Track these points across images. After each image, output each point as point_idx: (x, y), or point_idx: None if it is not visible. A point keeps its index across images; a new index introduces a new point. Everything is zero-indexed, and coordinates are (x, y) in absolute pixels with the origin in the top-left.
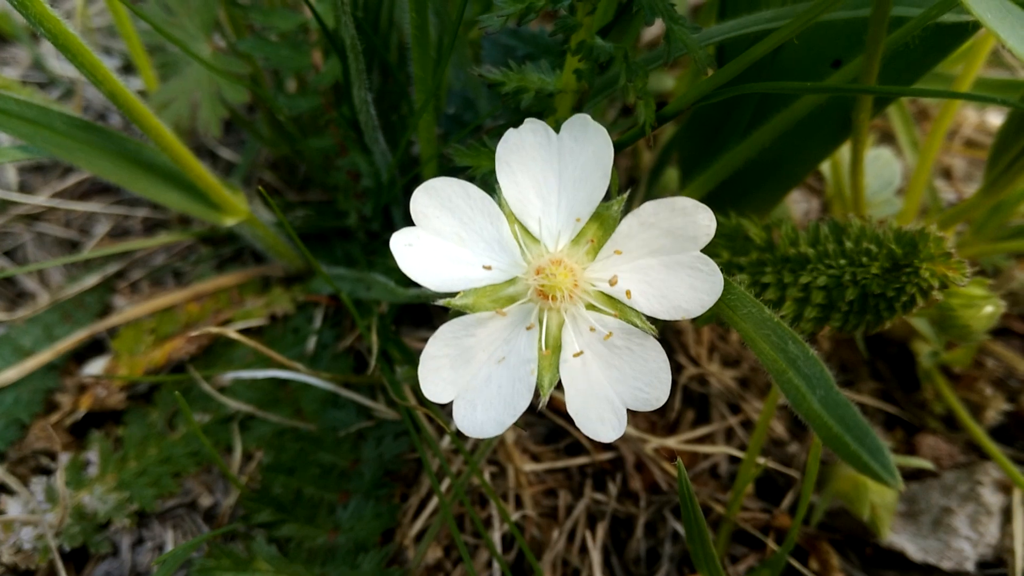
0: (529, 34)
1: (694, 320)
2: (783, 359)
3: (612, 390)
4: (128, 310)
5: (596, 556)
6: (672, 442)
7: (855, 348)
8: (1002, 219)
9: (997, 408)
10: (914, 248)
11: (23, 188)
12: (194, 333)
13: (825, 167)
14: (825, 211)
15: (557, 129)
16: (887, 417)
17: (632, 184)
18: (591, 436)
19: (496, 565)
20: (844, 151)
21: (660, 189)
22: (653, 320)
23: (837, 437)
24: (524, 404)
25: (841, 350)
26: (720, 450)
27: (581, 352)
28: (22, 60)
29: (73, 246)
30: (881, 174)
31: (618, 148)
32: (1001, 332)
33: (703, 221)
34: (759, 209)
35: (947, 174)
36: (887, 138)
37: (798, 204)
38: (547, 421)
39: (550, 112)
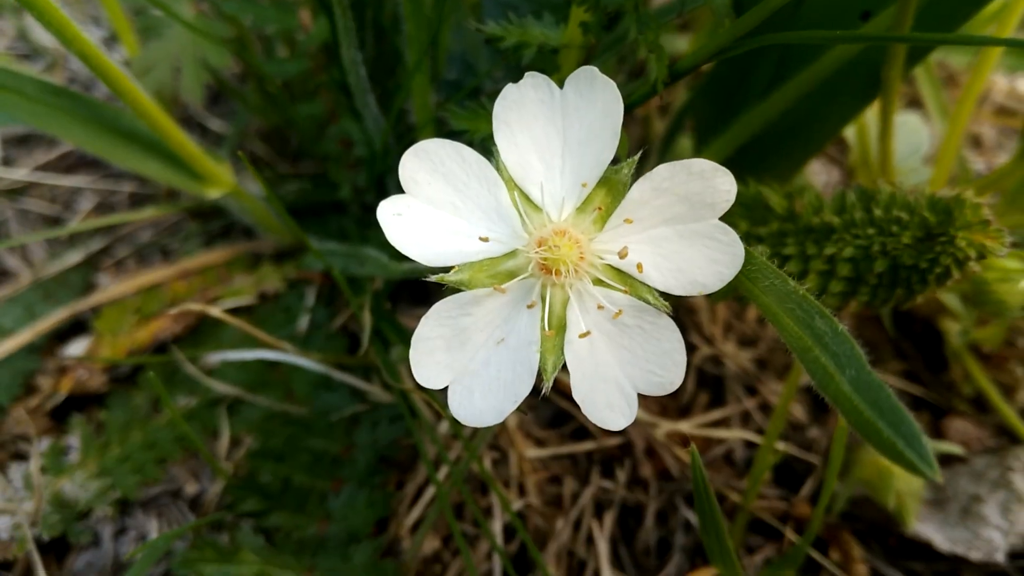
0: None
1: (710, 295)
2: (809, 336)
3: (622, 373)
4: (112, 288)
5: (603, 547)
6: (685, 426)
7: (878, 326)
8: None
9: None
10: (949, 216)
11: (6, 162)
12: (178, 311)
13: (849, 133)
14: (848, 182)
15: (561, 86)
16: (913, 399)
17: (643, 155)
18: (599, 424)
19: (497, 557)
20: (869, 116)
21: (673, 158)
22: (666, 296)
23: (869, 423)
24: (526, 390)
25: (864, 328)
26: (736, 435)
27: (588, 332)
28: (7, 31)
29: (57, 222)
30: (908, 141)
31: (628, 110)
32: None
33: (723, 186)
34: (779, 178)
35: (976, 142)
36: (914, 104)
37: (818, 175)
38: (552, 404)
39: (554, 70)
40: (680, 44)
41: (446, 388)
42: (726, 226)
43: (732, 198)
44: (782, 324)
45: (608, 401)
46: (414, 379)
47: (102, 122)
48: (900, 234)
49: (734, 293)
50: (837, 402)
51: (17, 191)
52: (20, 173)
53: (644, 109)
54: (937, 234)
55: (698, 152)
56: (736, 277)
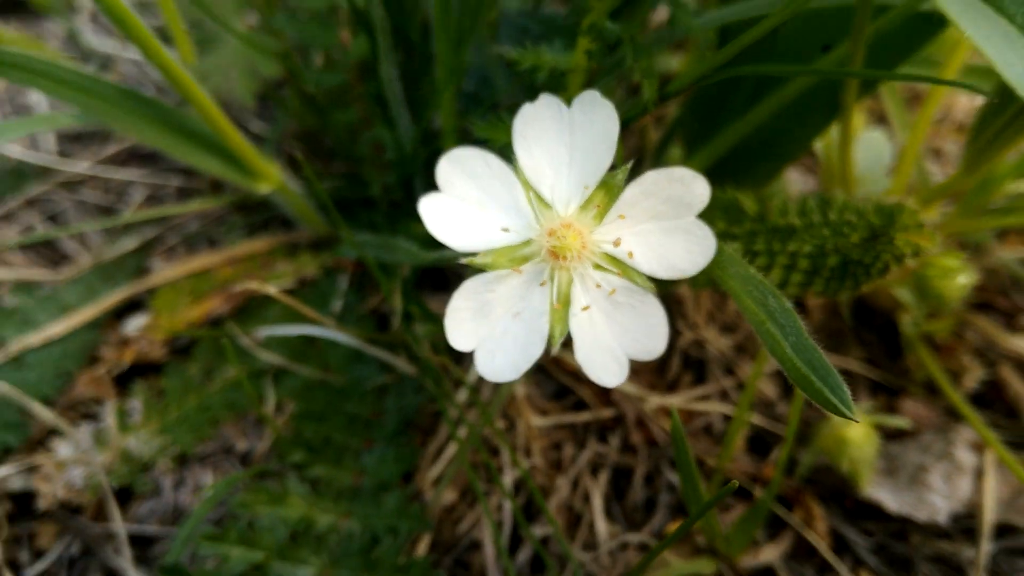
0: (544, 15)
1: (691, 283)
2: (763, 311)
3: (615, 341)
4: (165, 271)
5: (598, 502)
6: (670, 401)
7: (851, 319)
8: (986, 198)
9: (975, 376)
10: (891, 220)
11: (63, 156)
12: (236, 290)
13: (820, 146)
14: (820, 189)
15: (569, 104)
16: (872, 383)
17: (639, 161)
18: (596, 381)
19: (506, 507)
20: (836, 132)
21: (664, 165)
22: (654, 280)
23: (805, 377)
24: (538, 352)
25: (832, 320)
26: (715, 408)
27: (588, 307)
28: (56, 34)
29: (111, 212)
30: (873, 154)
31: (624, 124)
32: (983, 306)
33: (699, 190)
34: (757, 184)
35: (938, 155)
36: (882, 120)
37: (796, 183)
38: (555, 380)
39: (562, 89)
40: (673, 63)
41: (470, 353)
42: (702, 223)
43: (706, 200)
44: (744, 303)
45: (604, 364)
46: (437, 351)
47: (169, 123)
48: (850, 235)
49: (711, 284)
50: (782, 362)
51: (74, 183)
52: (79, 167)
53: (640, 122)
54: (880, 235)
55: (686, 160)
56: (709, 265)
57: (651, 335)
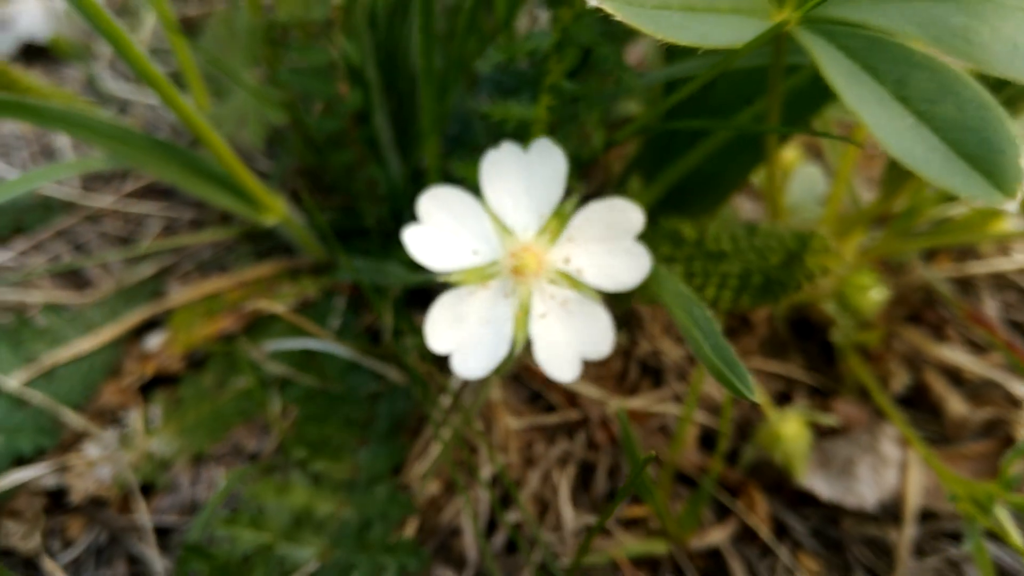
0: (515, 71)
1: (636, 298)
2: (689, 319)
3: (569, 343)
4: (181, 294)
5: (565, 493)
6: (630, 404)
7: (787, 331)
8: (910, 223)
9: (901, 381)
10: (804, 245)
11: (87, 191)
12: (245, 310)
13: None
14: (765, 216)
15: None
16: (810, 387)
17: (601, 191)
18: (553, 377)
19: (484, 498)
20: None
21: (624, 195)
22: (602, 292)
23: (719, 369)
24: (504, 353)
25: (776, 334)
26: (669, 410)
27: (545, 314)
28: (75, 79)
29: (130, 242)
30: (808, 187)
31: (587, 162)
32: (913, 319)
33: (634, 217)
34: (705, 211)
35: (873, 183)
36: (820, 152)
37: (746, 209)
38: (528, 387)
39: (528, 135)
40: (631, 106)
41: (448, 356)
42: (639, 245)
43: (640, 226)
44: (675, 313)
45: (559, 362)
46: (427, 359)
47: (187, 164)
48: (771, 257)
49: (649, 296)
50: (702, 359)
51: (97, 216)
52: (102, 202)
53: (605, 158)
54: (795, 257)
55: (643, 191)
56: (647, 282)
57: (599, 338)
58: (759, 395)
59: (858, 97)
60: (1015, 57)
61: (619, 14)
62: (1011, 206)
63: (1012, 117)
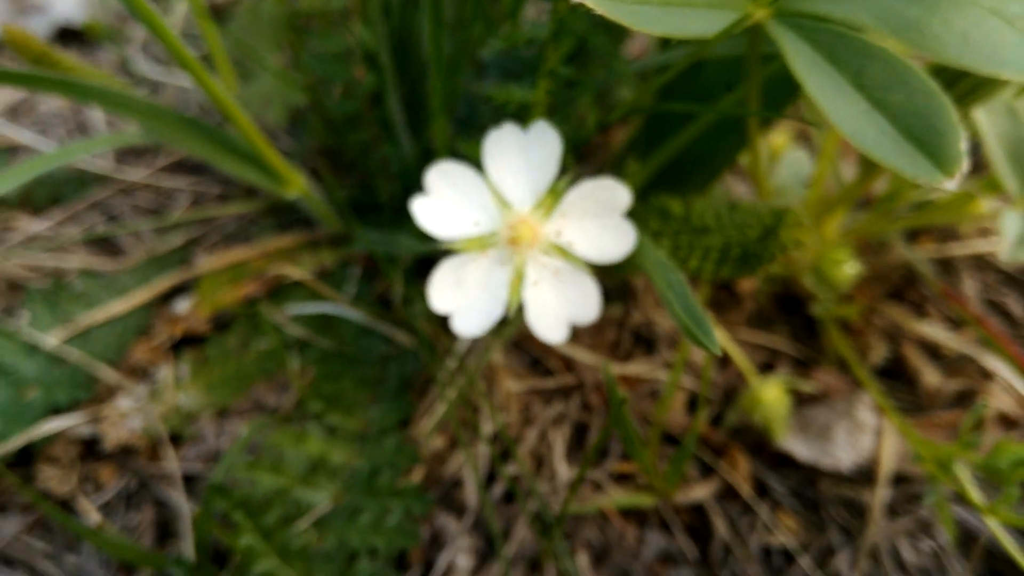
0: (518, 56)
1: (624, 270)
2: (665, 285)
3: (558, 308)
4: (208, 262)
5: (560, 449)
6: (623, 369)
7: (773, 305)
8: (892, 204)
9: (879, 353)
10: (779, 220)
11: (120, 165)
12: (268, 276)
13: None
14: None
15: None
16: (794, 360)
17: (600, 170)
18: (542, 338)
19: (484, 453)
20: (764, 148)
21: (622, 174)
22: (591, 264)
23: (687, 325)
24: (499, 315)
25: (762, 308)
26: (660, 376)
27: (537, 282)
28: (109, 61)
29: (161, 213)
30: (794, 169)
31: (577, 143)
32: (895, 296)
33: (622, 195)
34: (698, 190)
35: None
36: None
37: (740, 191)
38: (528, 354)
39: (529, 116)
40: (626, 92)
41: (448, 316)
42: (626, 220)
43: (628, 203)
44: (654, 278)
45: (549, 325)
46: (434, 324)
47: (216, 140)
48: (749, 232)
49: (634, 266)
50: (675, 316)
51: (130, 190)
52: (135, 176)
53: (607, 140)
54: (770, 232)
55: (639, 169)
56: (633, 253)
57: (586, 304)
58: (742, 362)
59: (818, 85)
60: (964, 48)
61: (599, 8)
62: (951, 185)
63: (976, 104)
